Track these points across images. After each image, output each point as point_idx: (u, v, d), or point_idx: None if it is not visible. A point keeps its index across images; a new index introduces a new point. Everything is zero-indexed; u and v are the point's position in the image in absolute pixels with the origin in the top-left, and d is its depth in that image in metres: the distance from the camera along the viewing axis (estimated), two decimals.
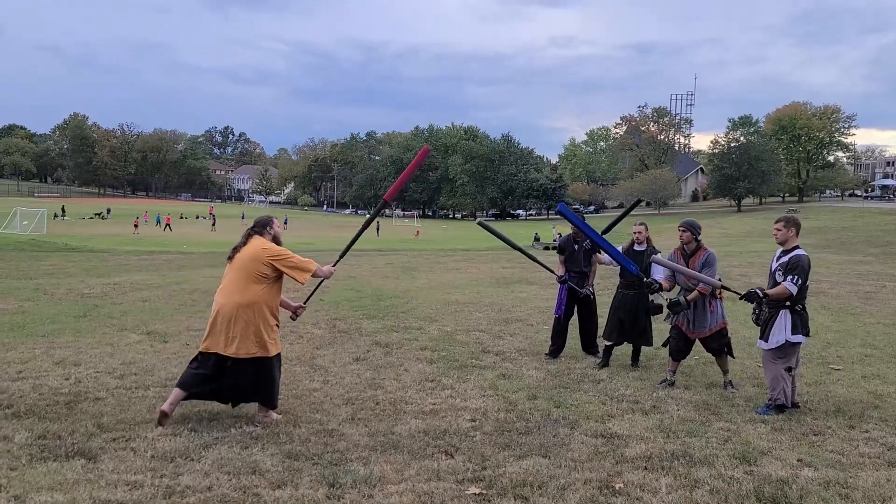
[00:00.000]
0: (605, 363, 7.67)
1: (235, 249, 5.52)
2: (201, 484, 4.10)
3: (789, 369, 5.88)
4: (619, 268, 7.50)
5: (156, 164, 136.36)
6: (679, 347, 6.84)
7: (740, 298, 6.03)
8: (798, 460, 4.73)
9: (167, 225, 53.16)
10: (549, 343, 8.24)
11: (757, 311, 5.99)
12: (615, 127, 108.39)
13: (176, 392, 5.28)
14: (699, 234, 6.81)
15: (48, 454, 4.55)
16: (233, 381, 5.34)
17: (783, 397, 5.82)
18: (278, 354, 5.53)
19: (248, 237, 5.56)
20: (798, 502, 4.01)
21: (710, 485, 4.27)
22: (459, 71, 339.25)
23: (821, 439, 5.23)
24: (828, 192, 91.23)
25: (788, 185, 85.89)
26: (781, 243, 6.05)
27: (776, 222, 6.15)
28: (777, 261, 6.02)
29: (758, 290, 5.91)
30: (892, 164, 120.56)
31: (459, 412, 5.83)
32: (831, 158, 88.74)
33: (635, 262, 7.13)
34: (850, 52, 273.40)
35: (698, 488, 4.22)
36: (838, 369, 7.60)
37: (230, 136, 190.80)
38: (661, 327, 7.96)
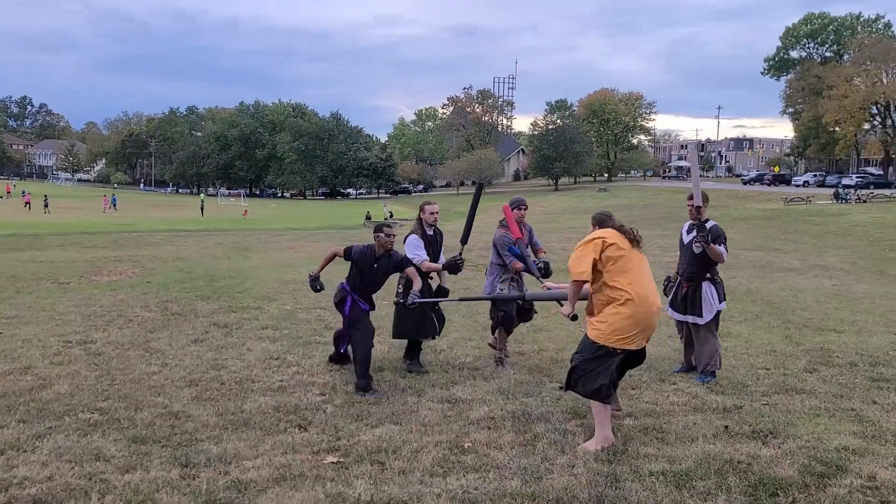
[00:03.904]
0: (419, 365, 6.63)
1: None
2: (41, 474, 3.88)
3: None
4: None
5: None
6: (512, 320, 6.65)
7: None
8: (618, 411, 5.29)
9: (45, 205, 47.77)
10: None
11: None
12: (442, 107, 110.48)
13: (599, 408, 4.61)
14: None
15: None
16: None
17: (717, 362, 6.28)
18: None
19: None
20: (623, 447, 4.52)
21: (548, 438, 4.69)
22: (285, 46, 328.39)
23: (638, 392, 5.87)
24: (632, 172, 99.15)
25: (599, 166, 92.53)
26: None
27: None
28: None
29: None
30: (685, 148, 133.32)
31: (308, 387, 5.89)
32: (635, 141, 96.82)
33: (432, 247, 6.57)
34: (648, 44, 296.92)
35: (538, 441, 4.61)
36: None
37: (28, 107, 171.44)
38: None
